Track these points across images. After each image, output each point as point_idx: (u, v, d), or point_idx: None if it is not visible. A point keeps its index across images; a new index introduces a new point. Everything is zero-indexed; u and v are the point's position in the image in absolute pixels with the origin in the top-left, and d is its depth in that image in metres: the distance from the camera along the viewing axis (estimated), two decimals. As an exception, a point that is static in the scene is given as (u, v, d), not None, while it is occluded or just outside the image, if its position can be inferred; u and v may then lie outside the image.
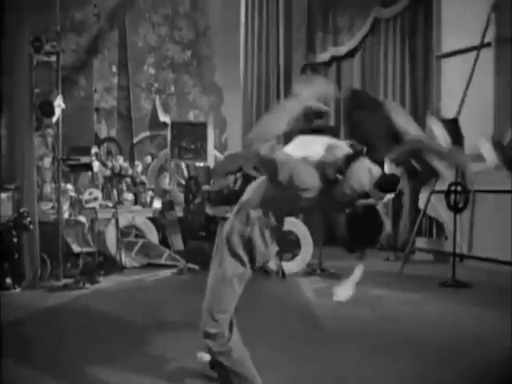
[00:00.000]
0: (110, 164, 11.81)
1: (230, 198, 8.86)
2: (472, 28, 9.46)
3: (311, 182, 3.27)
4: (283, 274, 8.46)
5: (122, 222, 9.56)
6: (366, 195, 3.57)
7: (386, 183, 3.54)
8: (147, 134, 14.79)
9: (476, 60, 9.38)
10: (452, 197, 8.33)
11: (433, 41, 10.46)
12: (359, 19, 12.19)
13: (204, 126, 11.44)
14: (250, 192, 3.55)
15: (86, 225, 9.13)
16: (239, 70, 14.05)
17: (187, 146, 10.87)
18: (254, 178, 3.45)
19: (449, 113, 9.49)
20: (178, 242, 9.98)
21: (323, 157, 3.40)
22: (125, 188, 11.31)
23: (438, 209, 9.31)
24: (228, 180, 8.67)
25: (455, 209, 8.25)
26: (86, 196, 9.81)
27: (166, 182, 11.74)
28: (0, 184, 7.69)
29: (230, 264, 3.43)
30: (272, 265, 8.41)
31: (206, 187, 9.79)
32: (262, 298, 6.79)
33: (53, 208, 8.98)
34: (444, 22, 10.20)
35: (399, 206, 10.50)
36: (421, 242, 10.07)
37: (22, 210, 7.60)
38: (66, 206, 9.26)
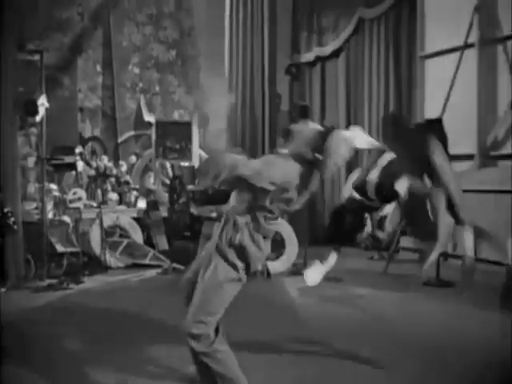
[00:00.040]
0: (94, 164, 11.76)
1: (214, 197, 8.87)
2: (456, 29, 9.51)
3: (293, 175, 3.37)
4: (268, 274, 8.46)
5: (107, 222, 9.53)
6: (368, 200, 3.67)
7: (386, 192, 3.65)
8: (132, 133, 14.73)
9: (460, 60, 9.44)
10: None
11: (417, 41, 10.50)
12: (344, 19, 12.21)
13: (189, 125, 11.43)
14: (235, 199, 3.55)
15: (71, 225, 9.10)
16: (224, 70, 14.04)
17: (172, 145, 10.85)
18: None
19: (433, 113, 9.53)
20: (162, 241, 9.96)
21: (295, 145, 3.48)
22: (109, 188, 11.26)
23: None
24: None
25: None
26: (70, 196, 9.78)
27: (150, 181, 11.71)
28: (-17, 184, 7.65)
29: (222, 269, 3.43)
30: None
31: (190, 187, 9.79)
32: (246, 298, 6.79)
33: (37, 208, 8.93)
34: (428, 22, 10.23)
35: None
36: (405, 242, 10.11)
37: (5, 210, 7.55)
38: (50, 206, 9.22)
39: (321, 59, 13.01)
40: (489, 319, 4.22)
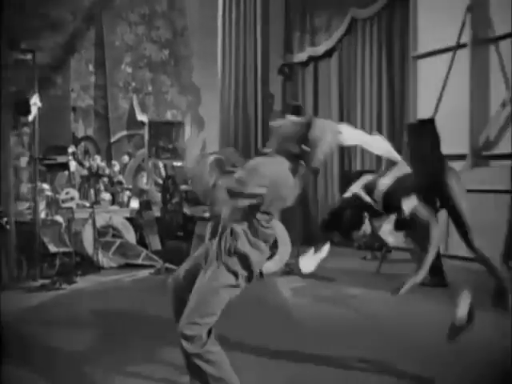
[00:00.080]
0: (87, 163, 11.75)
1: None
2: (448, 29, 9.53)
3: (281, 172, 3.39)
4: (261, 274, 8.46)
5: (99, 222, 9.51)
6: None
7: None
8: (124, 133, 14.75)
9: (452, 61, 9.46)
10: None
11: (409, 41, 10.52)
12: (336, 19, 12.21)
13: (182, 125, 11.43)
14: (229, 207, 3.52)
15: (63, 225, 9.08)
16: (217, 70, 14.03)
17: (165, 145, 10.84)
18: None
19: (425, 113, 9.56)
20: (155, 241, 9.95)
21: (277, 141, 3.50)
22: (102, 188, 11.26)
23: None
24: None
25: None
26: (62, 196, 9.76)
27: (143, 181, 11.70)
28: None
29: (222, 275, 3.43)
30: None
31: (183, 187, 9.78)
32: (239, 298, 6.80)
33: (29, 208, 8.91)
34: (420, 22, 10.25)
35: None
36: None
37: (-2, 210, 7.54)
38: (42, 206, 9.20)
39: (313, 59, 13.01)
40: (484, 319, 4.23)
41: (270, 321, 6.11)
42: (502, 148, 9.06)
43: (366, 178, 4.03)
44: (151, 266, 9.28)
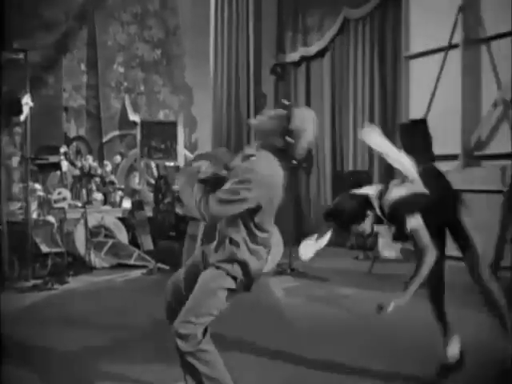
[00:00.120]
0: (79, 163, 11.72)
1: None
2: (440, 29, 9.55)
3: (271, 169, 3.38)
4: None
5: (91, 222, 9.50)
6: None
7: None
8: (117, 133, 14.71)
9: (444, 61, 9.48)
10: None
11: (401, 41, 10.53)
12: (329, 19, 12.23)
13: (174, 125, 11.42)
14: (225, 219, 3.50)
15: (55, 225, 9.06)
16: (209, 70, 14.02)
17: (157, 145, 10.83)
18: (224, 179, 3.44)
19: (417, 113, 9.58)
20: (147, 242, 9.94)
21: (259, 137, 3.52)
22: (94, 188, 11.23)
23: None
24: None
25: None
26: (54, 196, 9.73)
27: (135, 181, 11.68)
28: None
29: (221, 277, 3.43)
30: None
31: (175, 187, 9.77)
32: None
33: (21, 208, 8.88)
34: (412, 22, 10.27)
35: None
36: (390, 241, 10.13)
37: (-11, 211, 7.52)
38: (34, 206, 9.17)
39: (306, 59, 13.02)
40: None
41: (263, 321, 6.11)
42: (493, 148, 9.08)
43: (382, 186, 4.02)
44: (143, 266, 9.28)
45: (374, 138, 4.10)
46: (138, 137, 11.03)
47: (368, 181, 10.44)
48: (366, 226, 3.96)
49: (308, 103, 12.98)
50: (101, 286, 8.19)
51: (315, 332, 5.70)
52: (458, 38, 9.36)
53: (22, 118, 8.12)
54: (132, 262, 9.48)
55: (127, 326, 5.92)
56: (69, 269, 8.63)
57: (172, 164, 11.06)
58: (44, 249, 8.63)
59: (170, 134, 10.95)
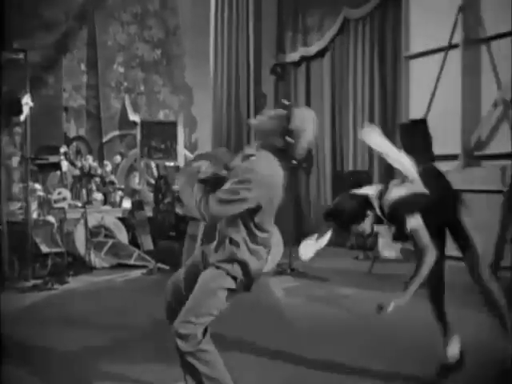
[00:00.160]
0: (79, 163, 11.72)
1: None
2: (440, 29, 9.55)
3: (271, 169, 3.41)
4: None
5: (91, 222, 9.50)
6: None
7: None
8: (116, 133, 14.71)
9: (444, 61, 9.48)
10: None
11: (401, 41, 10.53)
12: (329, 19, 12.23)
13: (174, 125, 11.42)
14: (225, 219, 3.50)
15: (55, 225, 9.06)
16: (209, 70, 14.01)
17: (157, 145, 10.83)
18: (224, 179, 3.45)
19: (417, 113, 9.58)
20: (147, 242, 9.94)
21: (259, 137, 3.52)
22: (94, 188, 11.23)
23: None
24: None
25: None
26: (54, 196, 9.73)
27: (135, 181, 11.69)
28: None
29: (221, 277, 3.43)
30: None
31: (175, 187, 9.77)
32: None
33: (21, 208, 8.88)
34: (412, 22, 10.27)
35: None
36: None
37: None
38: (34, 206, 9.17)
39: (306, 59, 13.02)
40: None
41: (263, 321, 6.11)
42: (493, 148, 9.08)
43: (382, 186, 4.02)
44: (143, 266, 9.28)
45: (374, 138, 4.10)
46: (138, 137, 11.03)
47: (368, 181, 10.44)
48: (366, 225, 3.96)
49: (308, 103, 12.98)
50: (101, 286, 8.19)
51: (315, 332, 5.70)
52: (458, 38, 9.36)
53: (22, 118, 8.12)
54: (132, 262, 9.48)
55: (127, 326, 5.92)
56: (69, 269, 8.63)
57: (172, 164, 11.06)
58: (44, 249, 8.63)
59: (169, 134, 10.95)
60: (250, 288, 3.56)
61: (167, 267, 8.99)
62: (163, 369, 4.40)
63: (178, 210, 9.51)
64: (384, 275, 8.57)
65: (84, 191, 10.99)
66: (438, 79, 9.54)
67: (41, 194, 9.66)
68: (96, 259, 9.29)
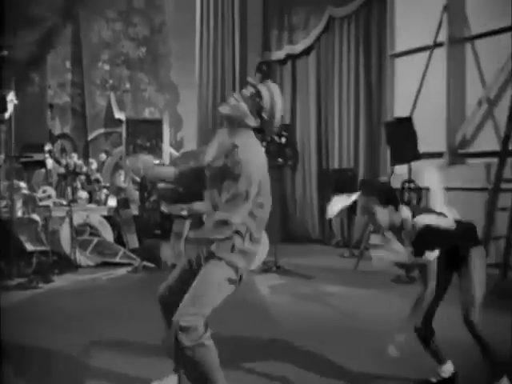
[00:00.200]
0: (64, 161, 11.67)
1: (185, 195, 8.84)
2: (425, 28, 9.58)
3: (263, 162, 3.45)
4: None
5: (77, 221, 9.46)
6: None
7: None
8: (102, 131, 14.66)
9: (429, 59, 9.52)
10: (405, 194, 8.46)
11: (387, 40, 10.57)
12: (314, 17, 12.25)
13: (159, 123, 11.41)
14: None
15: (40, 223, 9.01)
16: (195, 68, 13.98)
17: (142, 143, 10.83)
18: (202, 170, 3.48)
19: (403, 111, 9.61)
20: (133, 240, 9.92)
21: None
22: (79, 186, 11.19)
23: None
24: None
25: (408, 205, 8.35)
26: (39, 194, 9.69)
27: (121, 179, 11.65)
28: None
29: (222, 268, 3.43)
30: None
31: (161, 185, 9.73)
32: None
33: (6, 206, 8.83)
34: (397, 21, 10.31)
35: (353, 204, 10.58)
36: (375, 239, 10.15)
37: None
38: (19, 204, 9.12)
39: (291, 57, 13.03)
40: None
41: (248, 318, 6.11)
42: (478, 146, 9.13)
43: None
44: (129, 265, 9.26)
45: (435, 179, 4.15)
46: (124, 135, 11.02)
47: (353, 178, 10.50)
48: (397, 216, 3.95)
49: (294, 101, 13.01)
50: (86, 284, 8.16)
51: (300, 329, 5.70)
52: (442, 37, 9.39)
53: (7, 115, 8.07)
54: (117, 260, 9.45)
55: (113, 324, 5.90)
56: (54, 267, 8.59)
57: (157, 162, 11.03)
58: (29, 247, 8.58)
59: (155, 132, 10.95)
60: (240, 281, 3.56)
61: (152, 265, 8.99)
62: (151, 362, 4.39)
63: (163, 208, 9.49)
64: (369, 272, 8.59)
65: (69, 189, 10.95)
66: (423, 77, 9.57)
67: (25, 192, 9.62)
68: (81, 257, 9.25)
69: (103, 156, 13.45)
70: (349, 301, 6.95)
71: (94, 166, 12.05)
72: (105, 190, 11.49)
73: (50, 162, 10.55)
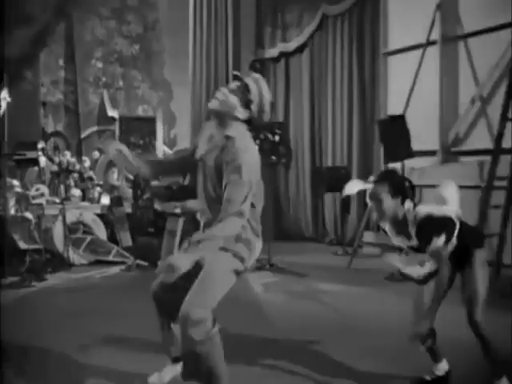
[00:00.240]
0: (57, 159, 11.65)
1: (178, 193, 8.84)
2: (418, 26, 9.60)
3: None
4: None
5: (70, 219, 9.44)
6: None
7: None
8: (95, 128, 14.64)
9: (422, 57, 9.53)
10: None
11: (380, 38, 10.58)
12: (307, 15, 12.24)
13: (153, 120, 11.40)
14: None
15: (33, 221, 8.99)
16: (188, 66, 13.97)
17: (136, 141, 10.82)
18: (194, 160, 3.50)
19: (396, 109, 9.62)
20: (126, 238, 9.90)
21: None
22: (72, 184, 11.17)
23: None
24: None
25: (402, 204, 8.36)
26: (32, 192, 9.66)
27: (114, 177, 11.63)
28: None
29: (229, 260, 3.45)
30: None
31: (154, 183, 9.74)
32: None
33: (-2, 204, 8.82)
34: (391, 19, 10.32)
35: (347, 201, 10.59)
36: (368, 237, 10.19)
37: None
38: (12, 202, 9.10)
39: (285, 55, 13.03)
40: (447, 311, 4.24)
41: (242, 316, 6.11)
42: (471, 144, 9.16)
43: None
44: (122, 263, 9.25)
45: (453, 193, 4.17)
46: (117, 132, 11.00)
47: (346, 176, 10.49)
48: (401, 209, 3.96)
49: (287, 99, 13.01)
50: (79, 282, 8.15)
51: (294, 327, 5.70)
52: (435, 35, 9.41)
53: (0, 113, 8.06)
54: (111, 258, 9.43)
55: (107, 322, 5.90)
56: (47, 266, 8.56)
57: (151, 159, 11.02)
58: (22, 245, 8.56)
59: (148, 130, 10.93)
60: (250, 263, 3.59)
61: (146, 263, 8.98)
62: (148, 359, 4.39)
63: (157, 206, 9.49)
64: (363, 270, 8.61)
65: (62, 187, 10.91)
66: (416, 76, 9.59)
67: (18, 190, 9.59)
68: (74, 256, 9.24)
69: (96, 154, 13.42)
70: (342, 299, 6.96)
71: (87, 163, 12.04)
72: (98, 188, 11.47)
73: (43, 160, 10.53)
